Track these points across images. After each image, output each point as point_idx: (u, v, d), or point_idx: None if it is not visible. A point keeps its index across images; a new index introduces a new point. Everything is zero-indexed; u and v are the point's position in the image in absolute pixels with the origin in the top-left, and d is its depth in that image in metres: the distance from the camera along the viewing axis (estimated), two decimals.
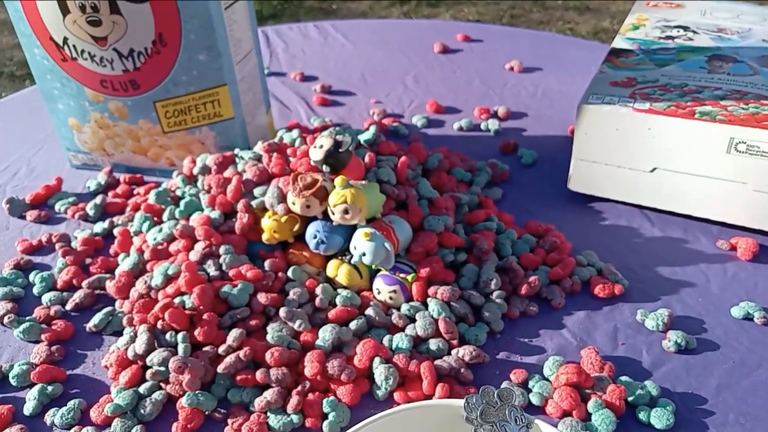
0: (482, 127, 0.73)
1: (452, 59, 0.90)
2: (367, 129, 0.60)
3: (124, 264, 0.51)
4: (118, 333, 0.48)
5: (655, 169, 0.54)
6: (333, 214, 0.48)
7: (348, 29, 1.01)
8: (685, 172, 0.53)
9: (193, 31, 0.56)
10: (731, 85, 0.55)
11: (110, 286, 0.50)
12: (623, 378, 0.42)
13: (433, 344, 0.44)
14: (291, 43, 0.97)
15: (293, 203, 0.49)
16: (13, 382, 0.44)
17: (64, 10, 0.56)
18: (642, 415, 0.40)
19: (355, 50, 0.94)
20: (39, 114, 0.77)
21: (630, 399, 0.41)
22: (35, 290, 0.52)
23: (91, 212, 0.61)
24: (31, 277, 0.53)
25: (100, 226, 0.58)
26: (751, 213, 0.52)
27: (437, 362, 0.42)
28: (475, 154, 0.66)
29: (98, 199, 0.61)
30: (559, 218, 0.58)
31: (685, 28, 0.68)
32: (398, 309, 0.47)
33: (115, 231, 0.56)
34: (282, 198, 0.50)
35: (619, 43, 0.65)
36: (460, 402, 0.32)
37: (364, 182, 0.50)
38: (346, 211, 0.47)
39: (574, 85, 0.80)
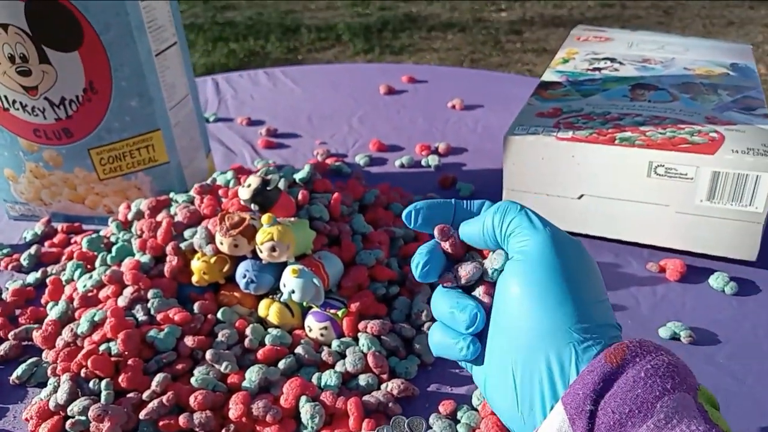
0: (423, 163, 0.74)
1: (397, 100, 0.92)
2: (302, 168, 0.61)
3: (53, 313, 0.50)
4: (43, 384, 0.46)
5: (582, 195, 0.55)
6: (261, 252, 0.48)
7: (298, 75, 1.03)
8: (610, 197, 0.54)
9: (123, 78, 0.57)
10: (651, 111, 0.57)
11: (37, 336, 0.49)
12: None
13: (363, 379, 0.43)
14: (240, 90, 0.99)
15: (221, 243, 0.48)
16: None
17: None
18: None
19: (304, 94, 0.96)
20: None
21: None
22: None
23: (24, 263, 0.59)
24: None
25: (32, 276, 0.57)
26: (675, 234, 0.53)
27: (366, 397, 0.42)
28: (416, 189, 0.67)
29: (33, 249, 0.60)
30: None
31: (612, 60, 0.70)
32: (329, 346, 0.46)
33: (48, 280, 0.55)
34: (210, 239, 0.50)
35: (548, 76, 0.68)
36: None
37: (292, 219, 0.50)
38: (273, 249, 0.47)
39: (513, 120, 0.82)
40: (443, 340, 0.33)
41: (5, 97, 0.59)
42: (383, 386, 0.43)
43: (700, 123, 0.54)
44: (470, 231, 0.34)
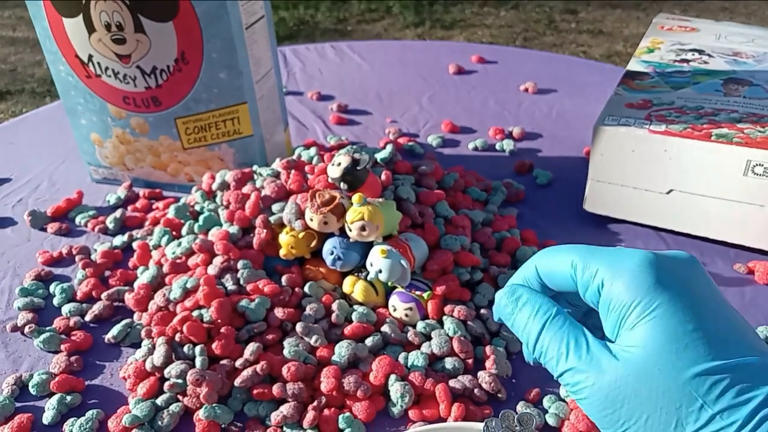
0: (497, 147, 0.73)
1: (467, 80, 0.91)
2: (384, 148, 0.61)
3: (143, 277, 0.52)
4: (136, 345, 0.48)
5: (671, 190, 0.54)
6: (350, 230, 0.48)
7: (364, 50, 1.03)
8: (701, 194, 0.53)
9: (214, 50, 0.57)
10: (747, 108, 0.56)
11: (129, 299, 0.50)
12: None
13: (449, 363, 0.44)
14: (308, 63, 0.99)
15: (311, 219, 0.49)
16: (32, 391, 0.44)
17: (90, 29, 0.58)
18: None
19: (371, 71, 0.96)
20: (61, 129, 0.79)
21: None
22: (55, 301, 0.52)
23: (110, 225, 0.61)
24: (52, 288, 0.54)
25: (119, 240, 0.59)
26: (767, 236, 0.52)
27: (452, 382, 0.42)
28: (490, 174, 0.67)
29: (118, 213, 0.62)
30: (574, 239, 0.58)
31: (700, 52, 0.68)
32: (414, 326, 0.47)
33: (135, 244, 0.57)
34: (300, 214, 0.51)
35: (634, 65, 0.66)
36: (479, 426, 0.32)
37: (381, 200, 0.51)
38: (363, 228, 0.47)
39: (589, 107, 0.80)
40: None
41: (98, 63, 0.60)
42: (479, 375, 0.43)
43: None
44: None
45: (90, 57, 0.60)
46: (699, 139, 0.51)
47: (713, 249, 0.56)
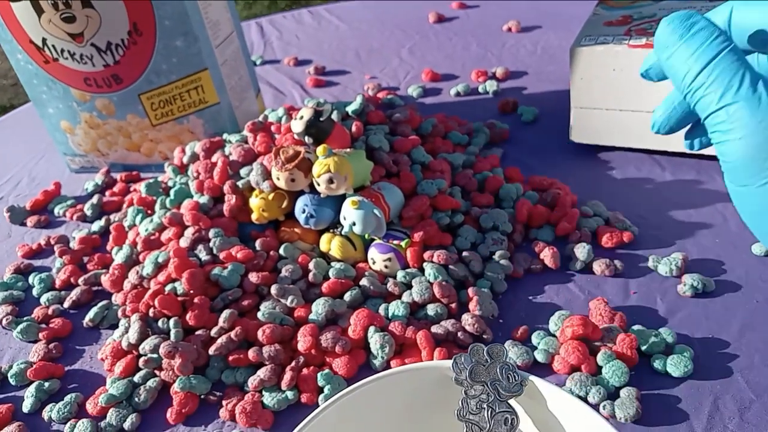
0: (480, 90, 0.70)
1: (448, 27, 0.87)
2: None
3: (118, 257, 0.51)
4: (115, 326, 0.47)
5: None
6: (318, 185, 0.46)
7: (342, 11, 0.99)
8: None
9: (166, 17, 0.55)
10: None
11: (105, 280, 0.49)
12: (635, 327, 0.40)
13: (431, 309, 0.42)
14: (285, 31, 0.96)
15: (278, 178, 0.47)
16: (11, 381, 0.43)
17: (38, 10, 0.56)
18: (657, 364, 0.37)
19: (350, 30, 0.92)
20: (38, 126, 0.78)
21: (644, 348, 0.38)
22: (34, 292, 0.51)
23: (89, 212, 0.60)
24: (31, 279, 0.53)
25: (97, 225, 0.58)
26: None
27: (434, 328, 0.40)
28: (474, 117, 0.64)
29: (95, 199, 0.61)
30: (564, 172, 0.55)
31: None
32: (394, 277, 0.45)
33: (111, 227, 0.56)
34: (267, 175, 0.49)
35: None
36: (449, 363, 0.30)
37: (348, 150, 0.48)
38: (330, 181, 0.45)
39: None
40: None
41: (53, 46, 0.58)
42: (462, 318, 0.41)
43: None
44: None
45: (44, 41, 0.58)
46: None
47: (711, 166, 0.53)
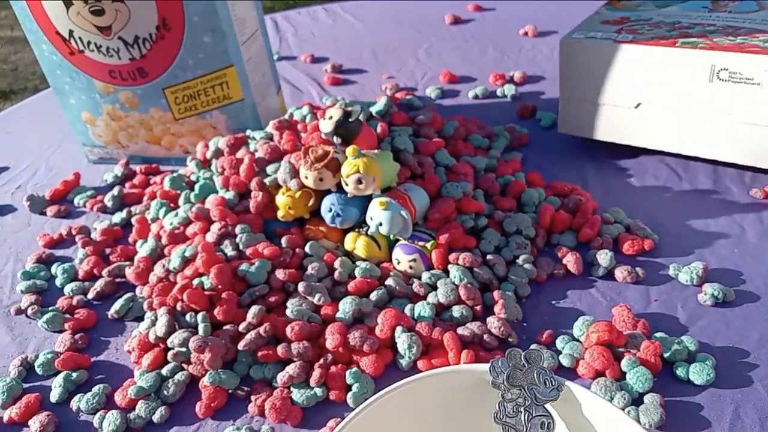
0: (498, 93, 0.71)
1: (464, 29, 0.88)
2: (378, 101, 0.59)
3: (142, 250, 0.51)
4: (140, 318, 0.47)
5: (639, 104, 0.52)
6: (347, 185, 0.47)
7: (357, 9, 1.00)
8: (669, 105, 0.51)
9: (195, 14, 0.55)
10: (728, 22, 0.53)
11: (130, 273, 0.50)
12: (658, 334, 0.41)
13: (456, 311, 0.43)
14: (300, 28, 0.96)
15: (306, 177, 0.48)
16: (39, 371, 0.44)
17: (67, 2, 0.56)
18: (680, 371, 0.38)
19: (366, 29, 0.93)
20: (56, 115, 0.78)
21: (666, 355, 0.39)
22: (57, 282, 0.52)
23: (109, 204, 0.61)
24: (53, 269, 0.53)
25: (118, 216, 0.58)
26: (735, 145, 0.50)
27: (460, 330, 0.41)
28: (493, 121, 0.64)
29: (115, 191, 0.61)
30: (583, 177, 0.56)
31: None
32: (419, 278, 0.46)
33: (133, 219, 0.56)
34: (294, 173, 0.49)
35: None
36: (486, 366, 0.31)
37: (376, 151, 0.49)
38: (359, 181, 0.46)
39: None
40: None
41: (80, 38, 0.59)
42: (488, 321, 0.42)
43: None
44: None
45: (71, 32, 0.58)
46: (664, 46, 0.49)
47: (728, 175, 0.54)
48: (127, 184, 0.64)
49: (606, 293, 0.45)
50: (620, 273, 0.45)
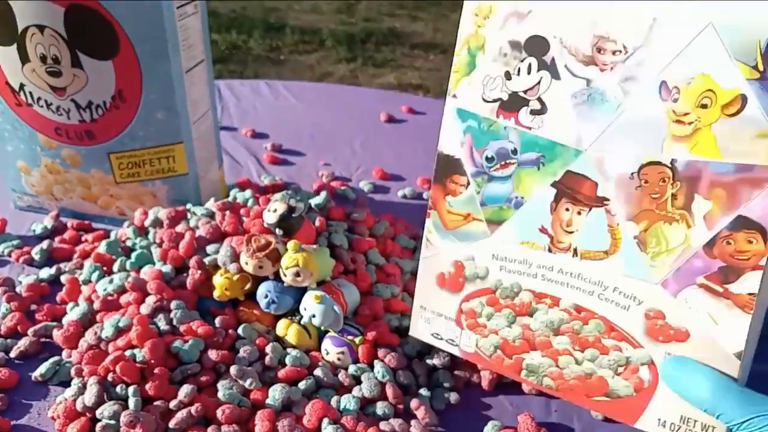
0: (425, 196, 0.78)
1: (397, 128, 0.95)
2: (318, 193, 0.64)
3: (73, 313, 0.52)
4: (65, 383, 0.47)
5: None
6: (285, 276, 0.50)
7: (298, 90, 1.06)
8: None
9: (153, 91, 0.58)
10: (574, 290, 0.42)
11: (57, 335, 0.50)
12: None
13: (380, 408, 0.47)
14: (243, 99, 1.01)
15: (246, 263, 0.51)
16: None
17: (24, 58, 0.58)
18: None
19: (305, 111, 0.98)
20: None
21: None
22: None
23: (36, 257, 0.60)
24: None
25: (46, 272, 0.58)
26: None
27: (382, 425, 0.45)
28: (419, 222, 0.70)
29: (45, 244, 0.61)
30: None
31: (541, 65, 0.40)
32: (346, 369, 0.49)
33: (63, 278, 0.57)
34: (235, 257, 0.52)
35: (449, 133, 0.47)
36: None
37: (315, 246, 0.53)
38: (297, 274, 0.50)
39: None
40: None
41: (30, 93, 0.60)
42: (412, 423, 0.46)
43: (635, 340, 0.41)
44: None
45: (22, 86, 0.60)
46: (507, 373, 0.46)
47: None
48: (56, 238, 0.64)
49: (514, 402, 0.50)
50: (526, 385, 0.51)
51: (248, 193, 0.62)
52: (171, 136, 0.61)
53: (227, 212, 0.58)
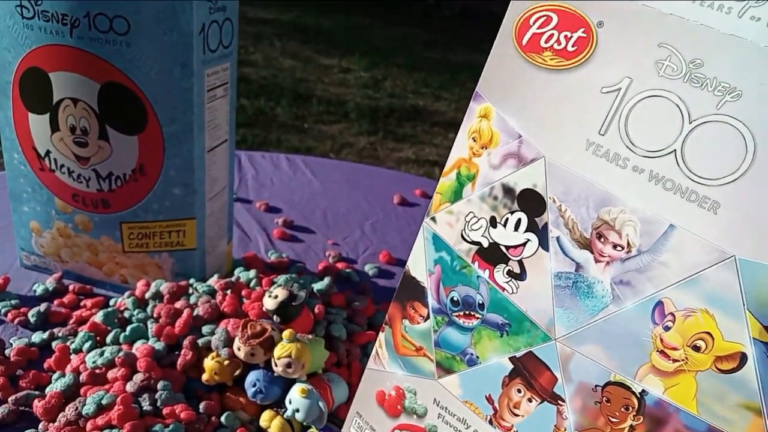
0: None
1: (409, 212, 0.96)
2: (322, 276, 0.64)
3: (57, 384, 0.51)
4: None
5: None
6: (276, 365, 0.49)
7: (317, 166, 1.08)
8: None
9: (173, 168, 0.60)
10: None
11: (38, 406, 0.49)
12: None
13: None
14: (261, 172, 1.02)
15: (239, 349, 0.50)
16: None
17: (54, 127, 0.60)
18: None
19: (321, 187, 1.00)
20: None
21: None
22: None
23: (32, 319, 0.60)
24: None
25: (38, 336, 0.58)
26: None
27: None
28: None
29: (42, 307, 0.61)
30: None
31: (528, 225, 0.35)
32: None
33: (54, 344, 0.56)
34: (228, 342, 0.52)
35: (419, 256, 0.43)
36: None
37: (311, 336, 0.52)
38: (289, 366, 0.49)
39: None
40: None
41: (55, 160, 0.61)
42: None
43: None
44: None
45: (48, 152, 0.61)
46: None
47: None
48: (55, 301, 0.64)
49: None
50: None
51: (252, 273, 0.62)
52: (185, 211, 0.62)
53: (228, 292, 0.58)
